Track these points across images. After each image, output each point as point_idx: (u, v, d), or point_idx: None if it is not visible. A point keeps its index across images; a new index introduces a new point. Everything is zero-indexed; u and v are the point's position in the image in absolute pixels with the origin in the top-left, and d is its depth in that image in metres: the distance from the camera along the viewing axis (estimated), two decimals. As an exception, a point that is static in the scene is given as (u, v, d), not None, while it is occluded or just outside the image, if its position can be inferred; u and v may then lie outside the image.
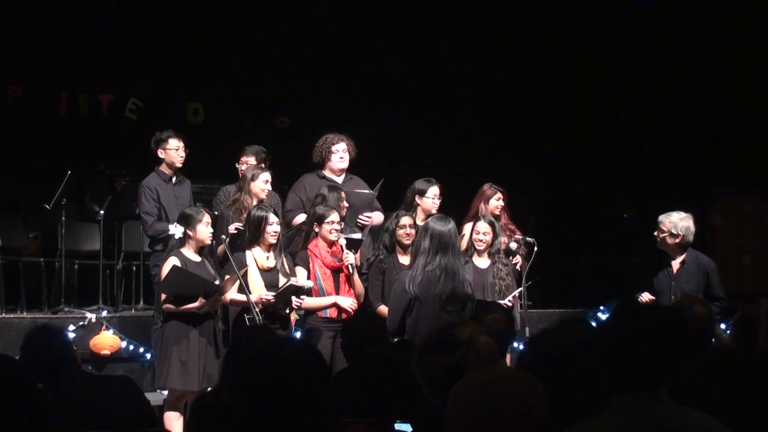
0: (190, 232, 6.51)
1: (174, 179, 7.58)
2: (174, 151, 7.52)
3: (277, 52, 10.78)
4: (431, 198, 7.46)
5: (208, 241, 6.57)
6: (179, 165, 7.56)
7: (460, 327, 3.08)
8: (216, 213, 7.27)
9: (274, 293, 6.40)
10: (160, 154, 7.54)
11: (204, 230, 6.52)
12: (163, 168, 7.54)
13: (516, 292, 7.19)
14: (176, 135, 7.59)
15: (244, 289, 6.37)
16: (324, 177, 7.69)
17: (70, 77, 10.41)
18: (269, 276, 6.60)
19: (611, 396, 2.56)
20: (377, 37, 10.87)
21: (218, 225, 6.96)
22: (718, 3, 10.82)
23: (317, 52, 10.88)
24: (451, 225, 6.06)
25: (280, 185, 7.88)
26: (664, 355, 2.57)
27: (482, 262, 7.25)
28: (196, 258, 6.57)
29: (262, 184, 7.20)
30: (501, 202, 7.76)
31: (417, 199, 7.48)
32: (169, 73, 10.51)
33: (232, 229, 6.94)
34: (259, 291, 6.50)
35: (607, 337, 2.67)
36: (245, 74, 10.71)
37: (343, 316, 6.65)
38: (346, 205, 7.17)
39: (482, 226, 7.29)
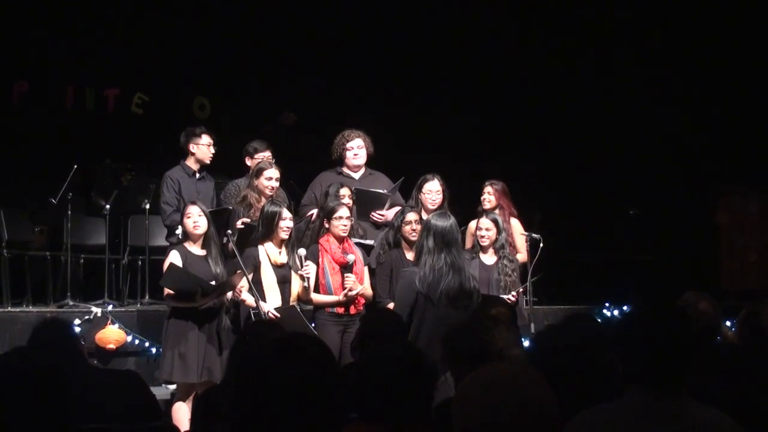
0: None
1: (198, 175, 7.63)
2: (206, 146, 7.62)
3: (283, 47, 10.78)
4: (426, 193, 7.45)
5: (195, 232, 6.55)
6: (209, 161, 7.65)
7: (494, 334, 3.07)
8: (227, 207, 7.29)
9: (277, 310, 6.42)
10: (192, 148, 7.61)
11: (187, 222, 6.57)
12: (190, 162, 7.62)
13: (520, 288, 7.19)
14: (208, 131, 7.67)
15: (253, 290, 6.38)
16: (341, 173, 7.70)
17: (76, 72, 10.43)
18: (281, 272, 6.61)
19: (630, 387, 2.59)
20: (386, 31, 10.86)
21: (230, 220, 6.98)
22: (723, 1, 10.81)
23: (324, 47, 10.88)
24: (452, 221, 6.11)
25: (286, 181, 7.87)
26: (685, 350, 2.60)
27: (488, 258, 7.26)
28: (200, 252, 6.60)
29: (265, 181, 7.20)
30: (491, 197, 7.72)
31: (418, 195, 7.48)
32: (175, 67, 10.51)
33: (239, 224, 6.96)
34: (272, 286, 6.53)
35: (629, 331, 2.69)
36: (252, 69, 10.71)
37: (351, 311, 6.67)
38: (348, 202, 7.15)
39: (484, 222, 7.30)
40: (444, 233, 5.97)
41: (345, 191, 7.28)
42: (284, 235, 6.65)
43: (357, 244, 7.06)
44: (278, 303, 6.51)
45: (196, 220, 6.56)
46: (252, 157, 7.71)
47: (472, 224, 7.62)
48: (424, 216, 7.03)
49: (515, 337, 3.47)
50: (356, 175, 7.74)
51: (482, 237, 7.25)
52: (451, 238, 6.00)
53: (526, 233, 7.69)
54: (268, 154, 7.70)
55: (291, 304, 6.57)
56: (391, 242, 7.05)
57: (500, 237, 7.26)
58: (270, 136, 8.44)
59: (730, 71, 10.78)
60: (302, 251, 6.64)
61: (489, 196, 7.74)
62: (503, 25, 11.13)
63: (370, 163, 7.88)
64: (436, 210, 7.15)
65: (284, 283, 6.60)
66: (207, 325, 6.50)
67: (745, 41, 10.74)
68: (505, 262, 7.22)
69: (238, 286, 6.44)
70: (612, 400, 2.63)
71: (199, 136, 7.63)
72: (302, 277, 6.61)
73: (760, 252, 10.71)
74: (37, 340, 4.06)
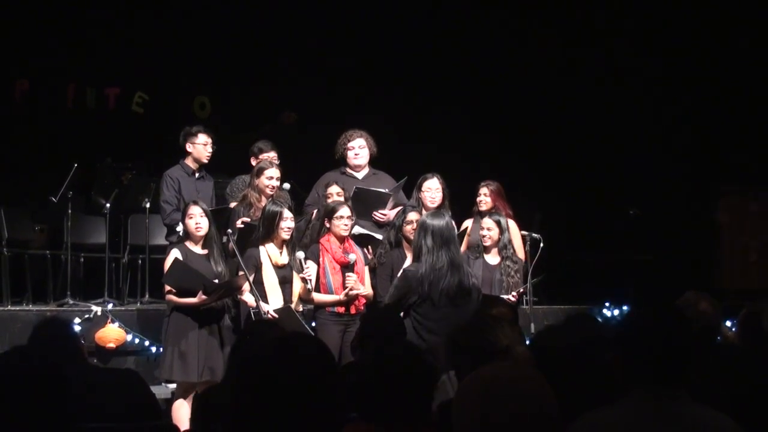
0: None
1: (197, 174, 7.64)
2: (202, 146, 7.63)
3: (283, 47, 10.78)
4: (426, 191, 7.44)
5: (197, 233, 6.56)
6: (206, 160, 7.67)
7: (498, 333, 3.06)
8: (231, 204, 7.30)
9: (275, 311, 6.41)
10: (188, 147, 7.63)
11: (189, 223, 6.56)
12: (189, 161, 7.64)
13: (521, 288, 7.19)
14: (206, 130, 7.69)
15: (254, 290, 6.38)
16: (345, 173, 7.71)
17: (77, 71, 10.43)
18: (283, 272, 6.61)
19: (633, 388, 2.59)
20: (386, 31, 10.86)
21: (230, 220, 6.99)
22: (724, 1, 10.81)
23: (324, 47, 10.88)
24: (447, 219, 6.11)
25: (287, 181, 7.86)
26: (685, 350, 2.60)
27: (492, 258, 7.26)
28: (200, 251, 6.60)
29: (266, 180, 7.20)
30: (487, 198, 7.71)
31: (418, 194, 7.48)
32: (175, 67, 10.52)
33: (239, 223, 6.96)
34: (273, 286, 6.52)
35: (629, 332, 2.69)
36: (252, 69, 10.71)
37: (352, 310, 6.67)
38: (339, 199, 7.15)
39: (486, 222, 7.31)
40: (442, 231, 5.98)
41: (333, 189, 7.29)
42: (285, 236, 6.63)
43: (365, 235, 7.06)
44: (280, 303, 6.50)
45: (199, 221, 6.56)
46: (257, 157, 7.71)
47: (467, 223, 7.64)
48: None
49: (519, 335, 3.47)
50: (359, 175, 7.75)
51: (484, 237, 7.25)
52: (449, 235, 6.02)
53: (526, 233, 7.69)
54: (273, 154, 7.71)
55: (287, 304, 6.53)
56: (393, 242, 7.06)
57: (503, 237, 7.25)
58: (270, 136, 8.44)
59: (730, 71, 10.78)
60: (300, 254, 6.63)
61: (485, 198, 7.72)
62: (503, 25, 11.12)
63: (373, 163, 7.88)
64: (436, 208, 7.17)
65: (285, 283, 6.58)
66: (208, 324, 6.49)
67: (745, 41, 10.74)
68: (508, 263, 7.21)
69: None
70: (612, 400, 2.63)
71: (195, 135, 7.64)
72: (304, 280, 6.60)
73: (760, 252, 10.72)
74: (37, 339, 4.05)
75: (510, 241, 7.31)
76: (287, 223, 6.62)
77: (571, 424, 2.54)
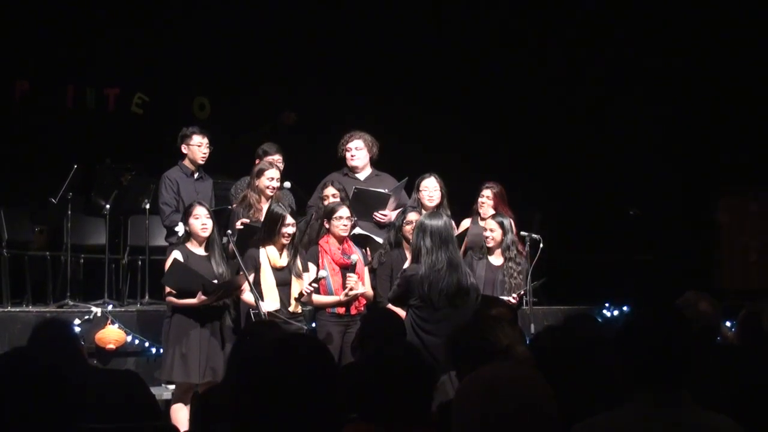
0: (186, 227, 6.58)
1: (196, 175, 7.64)
2: (197, 147, 7.61)
3: (283, 47, 10.78)
4: (423, 189, 7.44)
5: (202, 234, 6.57)
6: (201, 161, 7.65)
7: (498, 333, 3.06)
8: (226, 207, 7.30)
9: (279, 311, 6.39)
10: (184, 149, 7.63)
11: (195, 223, 6.56)
12: (187, 163, 7.64)
13: (521, 290, 7.18)
14: (201, 131, 7.68)
15: (253, 290, 6.36)
16: (347, 174, 7.71)
17: (76, 71, 10.43)
18: (281, 275, 6.59)
19: (634, 392, 2.59)
20: (386, 32, 10.85)
21: (230, 221, 6.98)
22: (724, 2, 10.81)
23: (324, 47, 10.87)
24: (444, 219, 6.15)
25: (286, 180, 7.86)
26: (685, 351, 2.60)
27: (495, 259, 7.26)
28: (201, 252, 6.60)
29: (266, 181, 7.20)
30: (489, 201, 7.70)
31: (417, 195, 7.47)
32: (175, 67, 10.51)
33: (238, 224, 6.96)
34: (271, 288, 6.50)
35: (628, 333, 2.68)
36: (252, 68, 10.71)
37: (352, 311, 6.66)
38: (335, 199, 7.15)
39: (489, 223, 7.31)
40: (440, 231, 6.01)
41: (329, 190, 7.28)
42: (285, 241, 6.61)
43: (364, 236, 7.05)
44: (276, 305, 6.49)
45: (205, 222, 6.57)
46: (262, 160, 7.71)
47: (465, 223, 7.64)
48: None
49: (519, 335, 3.47)
50: (361, 176, 7.74)
51: (487, 238, 7.25)
52: (448, 235, 6.05)
53: (526, 233, 7.68)
54: (278, 157, 7.70)
55: (270, 312, 6.49)
56: (393, 242, 7.06)
57: (506, 238, 7.25)
58: (270, 136, 8.43)
59: (731, 71, 10.78)
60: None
61: (487, 201, 7.71)
62: (503, 25, 11.12)
63: (374, 163, 7.88)
64: (434, 207, 7.17)
65: (284, 285, 6.57)
66: (209, 325, 6.50)
67: (745, 41, 10.73)
68: (511, 264, 7.21)
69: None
70: (612, 400, 2.63)
71: (190, 136, 7.64)
72: (301, 294, 6.57)
73: (760, 252, 10.72)
74: (36, 340, 4.05)
75: (513, 242, 7.31)
76: (288, 229, 6.58)
77: (572, 428, 2.54)
